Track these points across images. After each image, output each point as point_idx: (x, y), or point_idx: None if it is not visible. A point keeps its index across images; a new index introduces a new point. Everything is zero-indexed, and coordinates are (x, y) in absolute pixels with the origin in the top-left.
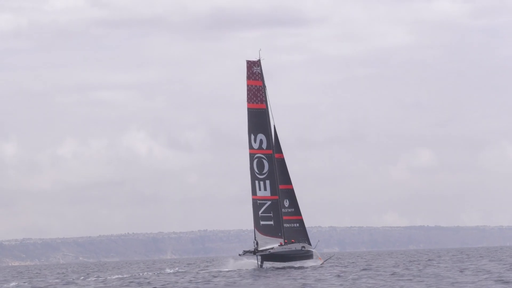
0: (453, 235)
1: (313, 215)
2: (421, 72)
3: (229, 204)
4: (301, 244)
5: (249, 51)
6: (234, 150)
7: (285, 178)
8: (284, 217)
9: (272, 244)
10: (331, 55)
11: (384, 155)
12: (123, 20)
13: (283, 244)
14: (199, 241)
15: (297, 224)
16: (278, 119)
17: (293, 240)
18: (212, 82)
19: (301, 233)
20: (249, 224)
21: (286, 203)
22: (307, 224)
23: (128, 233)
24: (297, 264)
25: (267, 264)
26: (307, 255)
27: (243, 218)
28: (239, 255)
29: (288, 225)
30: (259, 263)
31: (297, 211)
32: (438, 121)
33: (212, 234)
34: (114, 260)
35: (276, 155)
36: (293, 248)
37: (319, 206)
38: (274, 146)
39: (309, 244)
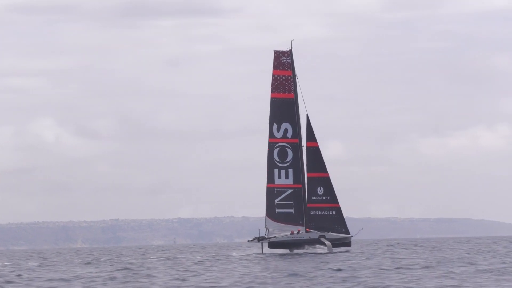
0: (364, 226)
1: (225, 205)
2: (335, 64)
3: (141, 194)
4: (320, 233)
5: (164, 39)
6: (146, 140)
7: (319, 166)
8: (317, 205)
9: (289, 232)
10: (246, 46)
11: None
12: (36, 6)
13: (294, 233)
14: (110, 230)
15: (334, 212)
16: (193, 108)
17: (307, 229)
18: (125, 70)
19: (337, 220)
20: (161, 214)
21: (320, 190)
22: (218, 213)
23: (38, 221)
24: (302, 251)
25: (268, 251)
26: (319, 243)
27: (155, 208)
28: (248, 241)
29: (321, 212)
30: (263, 249)
31: (334, 199)
32: (350, 114)
33: (123, 223)
34: (23, 248)
35: (309, 144)
36: (304, 237)
37: (232, 196)
38: (307, 135)
39: (347, 231)
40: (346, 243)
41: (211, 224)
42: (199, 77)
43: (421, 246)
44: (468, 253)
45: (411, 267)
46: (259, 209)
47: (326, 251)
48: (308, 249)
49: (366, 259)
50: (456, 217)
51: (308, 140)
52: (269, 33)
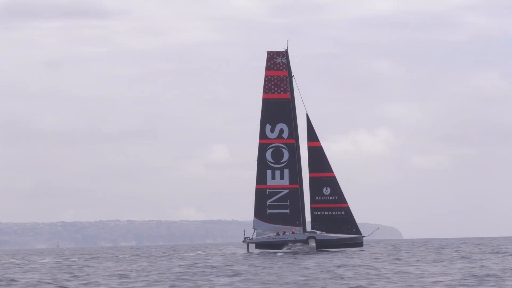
0: (248, 229)
1: (111, 208)
2: (222, 68)
3: (24, 197)
4: (309, 235)
5: (49, 41)
6: (28, 142)
7: (324, 165)
8: (323, 205)
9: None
10: (132, 49)
11: (182, 150)
12: None
13: (280, 234)
14: None
15: (343, 212)
16: (76, 111)
17: (293, 231)
18: (6, 72)
19: (346, 221)
20: (45, 217)
21: (327, 191)
22: (103, 217)
23: None
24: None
25: (255, 250)
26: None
27: (38, 211)
28: (243, 242)
29: (327, 213)
30: (248, 250)
31: (342, 199)
32: (235, 118)
33: (5, 226)
34: None
35: (311, 143)
36: (289, 238)
37: (117, 200)
38: (309, 135)
39: (357, 231)
40: (356, 243)
41: (96, 228)
42: (84, 79)
43: None
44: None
45: None
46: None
47: (308, 250)
48: (290, 249)
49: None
50: None
51: (309, 140)
52: (155, 36)
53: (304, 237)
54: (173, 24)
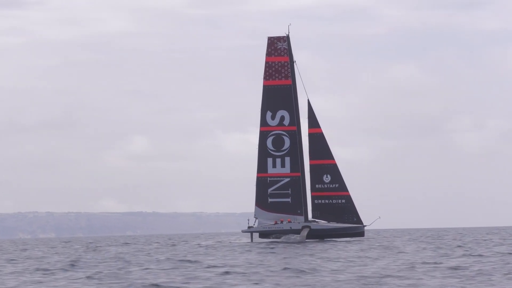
0: (170, 221)
1: (29, 200)
2: (141, 59)
3: None
4: (304, 224)
5: None
6: None
7: (324, 152)
8: (324, 193)
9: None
10: (50, 39)
11: (101, 141)
12: None
13: (278, 222)
14: None
15: (343, 200)
16: None
17: (289, 220)
18: None
19: (348, 209)
20: None
21: (327, 178)
22: (21, 209)
23: None
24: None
25: (258, 239)
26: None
27: None
28: (242, 232)
29: (328, 201)
30: (252, 239)
31: (343, 187)
32: (156, 109)
33: None
34: None
35: (312, 130)
36: (284, 228)
37: (35, 191)
38: (310, 121)
39: (359, 220)
40: (357, 233)
41: (14, 219)
42: (0, 70)
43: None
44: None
45: None
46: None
47: (299, 240)
48: (282, 239)
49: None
50: None
51: (310, 126)
52: (73, 26)
53: (299, 226)
54: (92, 14)
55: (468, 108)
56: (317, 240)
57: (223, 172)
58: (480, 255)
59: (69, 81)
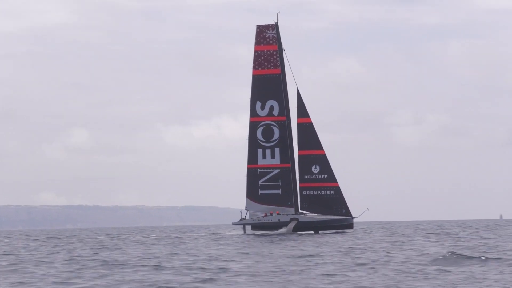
0: (111, 214)
1: None
2: (81, 52)
3: None
4: (292, 216)
5: None
6: None
7: (313, 142)
8: (312, 184)
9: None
10: None
11: (41, 134)
12: None
13: (267, 215)
14: None
15: (332, 192)
16: None
17: (278, 212)
18: None
19: (336, 201)
20: None
21: (316, 169)
22: None
23: None
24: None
25: (250, 231)
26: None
27: None
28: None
29: (316, 192)
30: (245, 231)
31: (331, 178)
32: (96, 102)
33: None
34: None
35: (301, 120)
36: (273, 220)
37: None
38: (299, 111)
39: (348, 212)
40: (345, 225)
41: None
42: None
43: None
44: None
45: None
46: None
47: (285, 231)
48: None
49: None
50: (203, 205)
51: (299, 116)
52: (12, 18)
53: (287, 219)
54: (31, 6)
55: (407, 102)
56: (306, 232)
57: (164, 166)
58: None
59: (8, 73)
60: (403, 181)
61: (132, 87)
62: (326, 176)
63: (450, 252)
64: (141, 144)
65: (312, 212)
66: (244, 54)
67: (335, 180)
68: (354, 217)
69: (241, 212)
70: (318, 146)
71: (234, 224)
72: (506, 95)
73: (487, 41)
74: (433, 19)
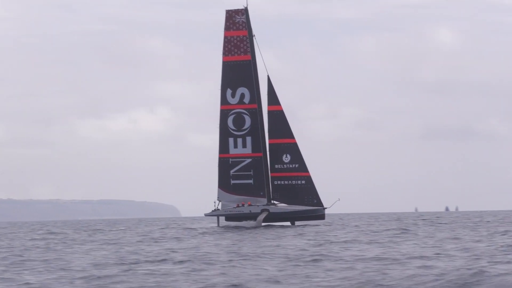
0: (25, 208)
1: None
2: None
3: None
4: (263, 207)
5: None
6: None
7: (284, 131)
8: (283, 174)
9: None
10: None
11: None
12: None
13: (240, 206)
14: None
15: (303, 181)
16: None
17: (249, 203)
18: None
19: (308, 191)
20: None
21: (287, 158)
22: None
23: None
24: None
25: (224, 223)
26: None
27: None
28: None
29: (287, 182)
30: (219, 223)
31: (303, 167)
32: (10, 94)
33: None
34: None
35: (271, 107)
36: (244, 211)
37: None
38: (269, 98)
39: (319, 202)
40: (317, 215)
41: None
42: None
43: None
44: None
45: None
46: None
47: (255, 224)
48: (243, 223)
49: None
50: (119, 199)
51: (270, 103)
52: None
53: (258, 210)
54: None
55: (322, 96)
56: (277, 224)
57: (79, 159)
58: None
59: None
60: (319, 173)
61: (46, 79)
62: (297, 165)
63: None
64: (55, 137)
65: (283, 203)
66: (160, 46)
67: (306, 170)
68: (326, 207)
69: (215, 202)
70: (289, 134)
71: (206, 215)
72: (420, 88)
73: (401, 34)
74: (348, 14)
